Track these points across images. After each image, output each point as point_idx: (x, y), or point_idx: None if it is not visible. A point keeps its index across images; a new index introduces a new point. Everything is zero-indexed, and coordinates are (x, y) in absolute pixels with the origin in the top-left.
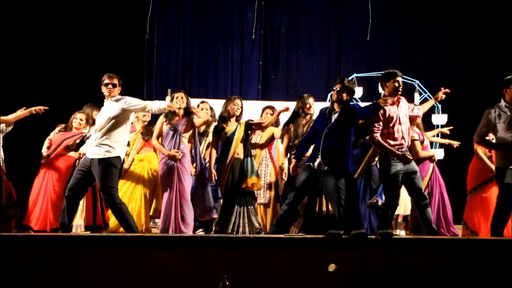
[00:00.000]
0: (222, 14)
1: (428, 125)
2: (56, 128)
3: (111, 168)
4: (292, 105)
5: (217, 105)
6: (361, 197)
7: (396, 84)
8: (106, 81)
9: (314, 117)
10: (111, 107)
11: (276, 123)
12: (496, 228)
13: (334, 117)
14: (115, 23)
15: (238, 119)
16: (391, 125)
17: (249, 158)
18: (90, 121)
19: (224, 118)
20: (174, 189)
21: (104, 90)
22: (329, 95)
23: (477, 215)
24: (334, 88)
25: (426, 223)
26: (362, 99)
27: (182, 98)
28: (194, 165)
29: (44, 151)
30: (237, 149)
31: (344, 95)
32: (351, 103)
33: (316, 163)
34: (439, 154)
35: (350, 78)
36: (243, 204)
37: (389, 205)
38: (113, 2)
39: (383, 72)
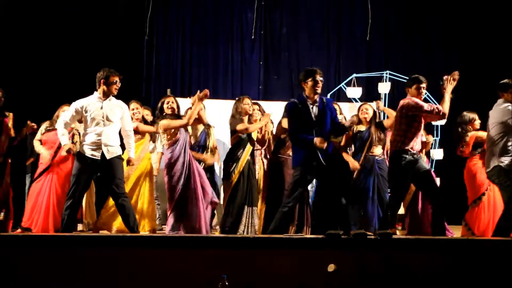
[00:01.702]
0: (222, 14)
1: (427, 125)
2: (42, 127)
3: (122, 163)
4: None
5: (217, 105)
6: (370, 195)
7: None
8: (117, 79)
9: None
10: (117, 108)
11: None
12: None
13: (316, 110)
14: (115, 24)
15: (250, 120)
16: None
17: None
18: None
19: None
20: (198, 189)
21: (112, 88)
22: (328, 94)
23: (481, 218)
24: (322, 79)
25: (435, 222)
26: (361, 99)
27: (173, 102)
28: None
29: (44, 152)
30: (249, 152)
31: None
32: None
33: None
34: (439, 154)
35: (349, 78)
36: (250, 204)
37: (393, 205)
38: (113, 3)
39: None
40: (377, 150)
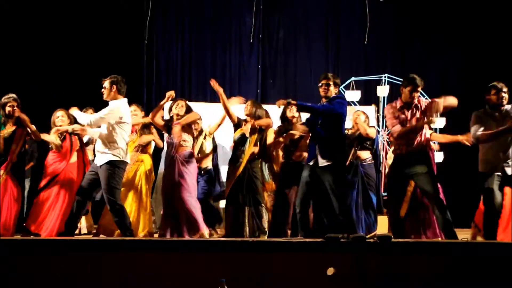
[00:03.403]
0: (221, 18)
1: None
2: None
3: (115, 169)
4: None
5: (215, 109)
6: (354, 199)
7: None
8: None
9: None
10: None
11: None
12: (490, 231)
13: None
14: (115, 28)
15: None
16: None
17: (267, 163)
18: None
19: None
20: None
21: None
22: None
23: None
24: (320, 84)
25: (441, 225)
26: (360, 102)
27: (182, 106)
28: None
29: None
30: (249, 154)
31: (332, 89)
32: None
33: (313, 160)
34: (438, 157)
35: (348, 81)
36: (250, 204)
37: (389, 208)
38: (113, 7)
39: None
40: (363, 155)
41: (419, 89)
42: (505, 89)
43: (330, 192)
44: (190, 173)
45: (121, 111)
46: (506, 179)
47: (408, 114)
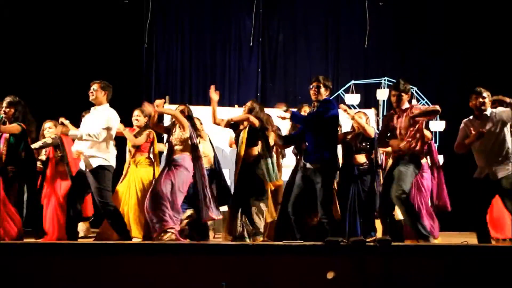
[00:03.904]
0: (220, 22)
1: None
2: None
3: (104, 172)
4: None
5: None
6: (350, 202)
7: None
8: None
9: None
10: (91, 117)
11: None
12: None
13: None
14: (114, 32)
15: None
16: None
17: (266, 160)
18: None
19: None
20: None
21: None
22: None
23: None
24: (311, 86)
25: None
26: (360, 105)
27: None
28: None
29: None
30: (242, 153)
31: (322, 91)
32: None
33: (304, 163)
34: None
35: (347, 85)
36: (246, 205)
37: (381, 211)
38: (112, 11)
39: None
40: (360, 159)
41: (403, 94)
42: (484, 94)
43: (317, 193)
44: (177, 178)
45: (110, 116)
46: (494, 184)
47: (396, 120)
